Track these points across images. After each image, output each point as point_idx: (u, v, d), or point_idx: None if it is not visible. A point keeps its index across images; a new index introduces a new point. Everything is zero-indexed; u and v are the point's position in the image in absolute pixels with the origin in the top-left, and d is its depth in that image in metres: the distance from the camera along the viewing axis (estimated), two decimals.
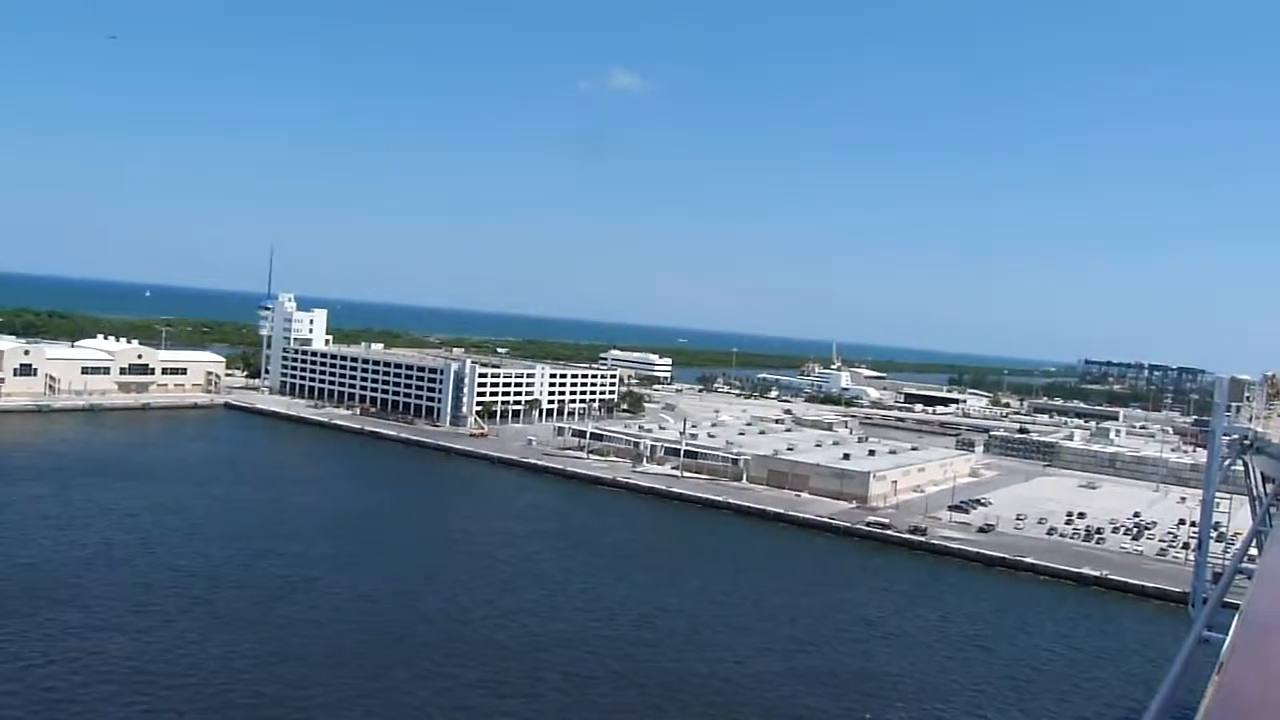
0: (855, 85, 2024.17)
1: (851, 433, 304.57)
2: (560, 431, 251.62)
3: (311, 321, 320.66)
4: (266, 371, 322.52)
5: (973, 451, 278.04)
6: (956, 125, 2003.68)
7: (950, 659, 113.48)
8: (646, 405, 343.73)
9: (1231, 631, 16.38)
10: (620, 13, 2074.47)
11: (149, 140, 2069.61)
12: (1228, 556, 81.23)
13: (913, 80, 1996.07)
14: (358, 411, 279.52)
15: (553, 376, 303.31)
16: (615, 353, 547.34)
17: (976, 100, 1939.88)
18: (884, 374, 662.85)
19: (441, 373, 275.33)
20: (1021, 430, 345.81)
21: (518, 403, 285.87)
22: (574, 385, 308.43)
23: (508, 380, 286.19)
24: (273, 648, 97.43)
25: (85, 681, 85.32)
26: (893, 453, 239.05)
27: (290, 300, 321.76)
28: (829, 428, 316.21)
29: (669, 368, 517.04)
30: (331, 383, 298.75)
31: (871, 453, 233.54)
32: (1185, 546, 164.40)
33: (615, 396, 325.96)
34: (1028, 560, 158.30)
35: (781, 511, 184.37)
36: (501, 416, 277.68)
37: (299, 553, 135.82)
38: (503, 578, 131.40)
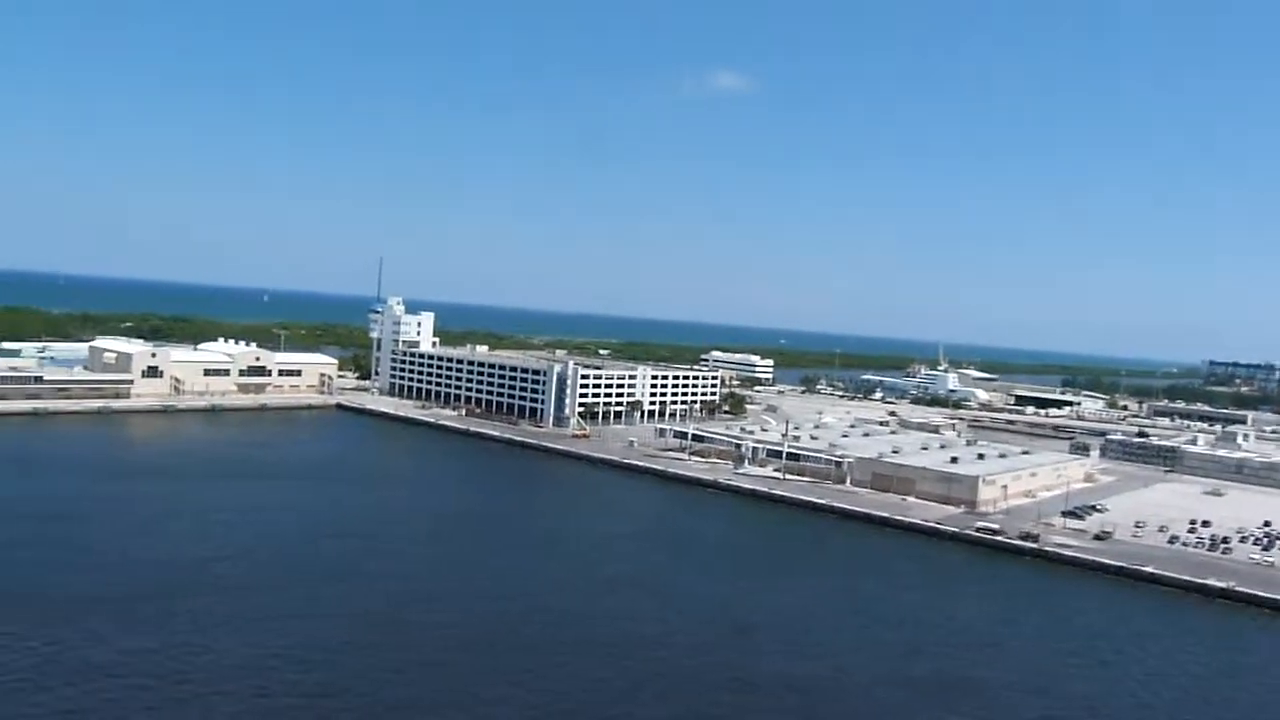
0: (966, 85, 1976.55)
1: (959, 435, 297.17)
2: (661, 433, 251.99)
3: (419, 324, 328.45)
4: (376, 373, 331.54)
5: (1088, 456, 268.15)
6: (1078, 124, 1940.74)
7: (1065, 670, 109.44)
8: (748, 407, 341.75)
9: None
10: (723, 12, 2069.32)
11: (271, 151, 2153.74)
12: None
13: (1028, 80, 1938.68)
14: (463, 412, 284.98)
15: (654, 378, 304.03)
16: (717, 354, 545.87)
17: (1097, 98, 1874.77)
18: (993, 375, 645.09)
19: (544, 374, 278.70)
20: (1140, 434, 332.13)
21: (619, 404, 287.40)
22: (675, 387, 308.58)
23: (609, 382, 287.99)
24: (391, 642, 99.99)
25: (209, 677, 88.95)
26: (1003, 456, 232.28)
27: (399, 304, 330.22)
28: (935, 430, 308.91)
29: (771, 369, 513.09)
30: (438, 384, 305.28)
31: (980, 456, 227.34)
32: None
33: (717, 398, 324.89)
34: (1147, 569, 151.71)
35: (886, 515, 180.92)
36: (603, 418, 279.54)
37: (413, 550, 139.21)
38: (605, 578, 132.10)
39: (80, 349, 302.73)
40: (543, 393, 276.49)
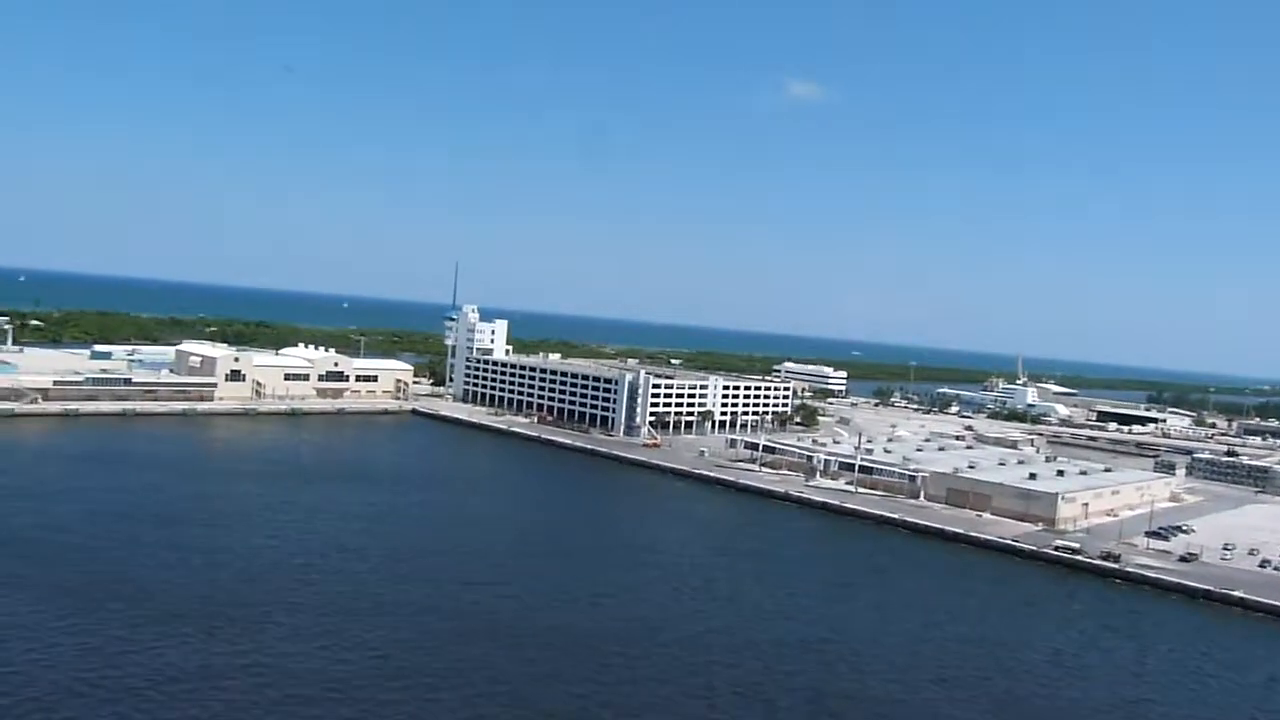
0: (1043, 95, 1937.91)
1: (1038, 451, 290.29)
2: (732, 443, 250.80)
3: (493, 332, 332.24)
4: (451, 380, 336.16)
5: (1173, 475, 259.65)
6: (1175, 136, 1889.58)
7: (1150, 698, 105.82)
8: (820, 419, 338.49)
9: None
10: (799, 22, 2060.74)
11: (349, 161, 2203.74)
12: None
13: (1103, 90, 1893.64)
14: (535, 420, 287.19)
15: (725, 388, 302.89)
16: (789, 365, 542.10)
17: (1188, 110, 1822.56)
18: (1074, 390, 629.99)
19: (616, 383, 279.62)
20: (1230, 453, 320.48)
21: (690, 414, 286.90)
22: (747, 397, 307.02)
23: (681, 391, 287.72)
24: (466, 643, 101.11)
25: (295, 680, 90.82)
26: (1083, 474, 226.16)
27: (473, 311, 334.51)
28: (1013, 445, 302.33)
29: (844, 381, 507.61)
30: (511, 391, 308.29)
31: (1060, 473, 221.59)
32: None
33: (788, 409, 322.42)
34: (1237, 594, 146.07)
35: (961, 531, 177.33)
36: (674, 427, 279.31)
37: (486, 556, 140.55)
38: (675, 588, 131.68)
39: (167, 352, 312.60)
40: (614, 401, 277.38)
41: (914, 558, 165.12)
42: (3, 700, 79.38)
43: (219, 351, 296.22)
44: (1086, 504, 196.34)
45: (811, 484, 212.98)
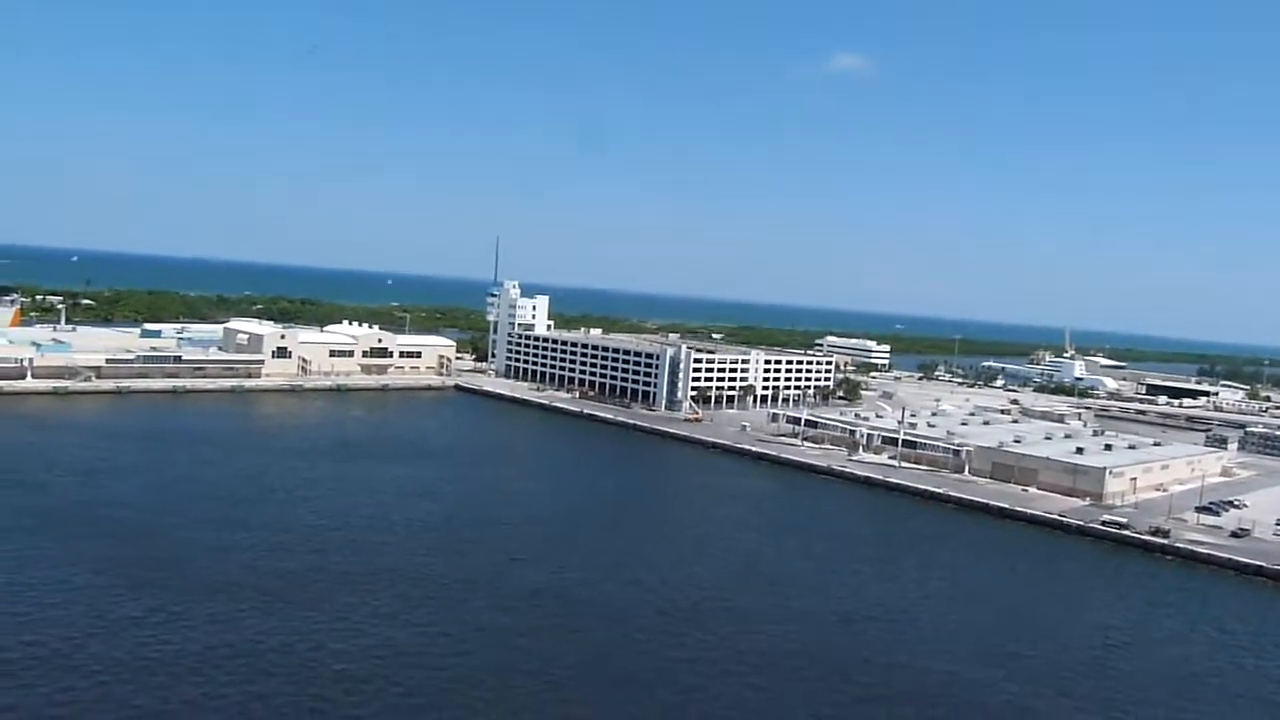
0: (1093, 69, 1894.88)
1: (1085, 425, 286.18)
2: (775, 418, 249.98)
3: (535, 307, 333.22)
4: (493, 355, 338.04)
5: (1225, 449, 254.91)
6: (1230, 109, 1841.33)
7: (1201, 675, 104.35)
8: (863, 393, 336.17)
9: None
10: None
11: (392, 140, 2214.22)
12: None
13: (1149, 66, 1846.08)
14: (577, 395, 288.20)
15: (767, 363, 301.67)
16: (831, 339, 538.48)
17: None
18: (1123, 363, 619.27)
19: (658, 358, 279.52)
20: None
21: (732, 388, 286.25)
22: (789, 372, 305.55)
23: (722, 366, 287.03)
24: (518, 627, 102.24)
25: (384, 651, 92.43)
26: (1132, 448, 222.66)
27: (515, 287, 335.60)
28: (1060, 419, 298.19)
29: (887, 355, 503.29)
30: (553, 366, 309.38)
31: (1108, 447, 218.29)
32: None
33: (831, 384, 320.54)
34: None
35: (1006, 506, 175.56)
36: (716, 402, 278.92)
37: (530, 530, 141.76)
38: (716, 563, 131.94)
39: (215, 330, 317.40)
40: (656, 376, 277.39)
41: (959, 533, 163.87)
42: (72, 674, 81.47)
43: (265, 329, 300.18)
44: (1135, 479, 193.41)
45: (854, 458, 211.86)
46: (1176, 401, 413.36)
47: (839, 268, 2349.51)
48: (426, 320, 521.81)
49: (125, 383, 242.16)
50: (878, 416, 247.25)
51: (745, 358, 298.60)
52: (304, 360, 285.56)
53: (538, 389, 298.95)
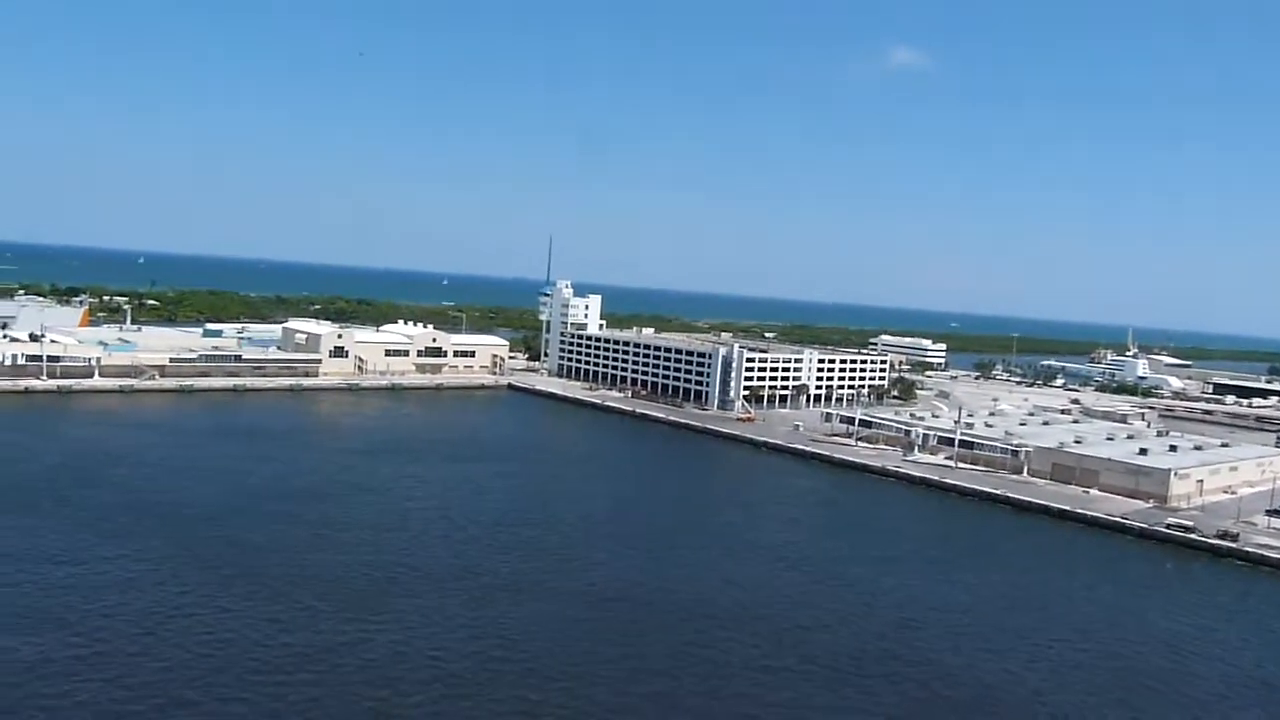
0: (1146, 68, 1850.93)
1: (1149, 426, 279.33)
2: (828, 418, 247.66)
3: (587, 307, 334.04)
4: (545, 355, 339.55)
5: None
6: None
7: (1275, 684, 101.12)
8: (918, 392, 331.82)
9: None
10: None
11: (451, 140, 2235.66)
12: None
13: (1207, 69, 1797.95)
14: (629, 394, 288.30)
15: (820, 362, 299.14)
16: (886, 338, 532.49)
17: None
18: (1188, 362, 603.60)
19: (710, 357, 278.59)
20: None
21: (785, 388, 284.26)
22: (842, 371, 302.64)
23: (775, 365, 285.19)
24: (569, 633, 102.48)
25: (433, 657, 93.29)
26: (1198, 449, 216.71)
27: (567, 286, 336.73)
28: (1122, 420, 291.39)
29: (943, 353, 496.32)
30: (605, 366, 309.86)
31: (1173, 448, 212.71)
32: None
33: (885, 383, 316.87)
34: None
35: (1067, 509, 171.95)
36: (768, 401, 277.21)
37: (583, 528, 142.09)
38: (769, 563, 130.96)
39: (274, 330, 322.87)
40: (708, 376, 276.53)
41: (1017, 534, 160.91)
42: (164, 673, 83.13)
43: (323, 329, 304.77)
44: (1201, 480, 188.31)
45: (910, 459, 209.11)
46: (1246, 401, 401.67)
47: (894, 266, 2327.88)
48: (480, 320, 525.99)
49: (188, 381, 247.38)
50: (934, 416, 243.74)
51: (798, 357, 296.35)
52: (360, 359, 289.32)
53: (590, 388, 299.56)
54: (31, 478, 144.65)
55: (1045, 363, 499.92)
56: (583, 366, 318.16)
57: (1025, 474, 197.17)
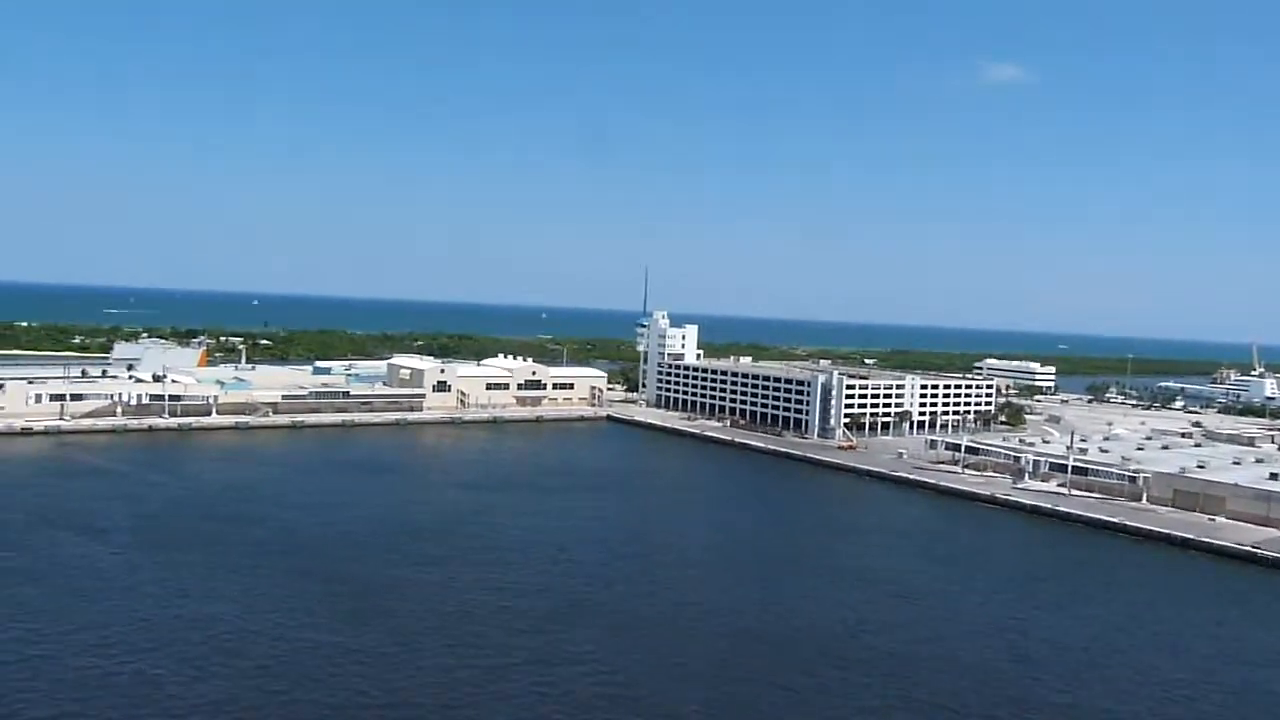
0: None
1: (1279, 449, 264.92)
2: (932, 445, 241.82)
3: (684, 337, 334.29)
4: (643, 385, 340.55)
5: None
6: None
7: None
8: (1027, 417, 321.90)
9: None
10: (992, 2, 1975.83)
11: (551, 173, 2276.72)
12: None
13: None
14: (728, 424, 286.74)
15: (923, 387, 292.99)
16: (991, 362, 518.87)
17: None
18: None
19: (809, 385, 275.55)
20: None
21: (887, 415, 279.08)
22: (946, 396, 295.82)
23: (876, 392, 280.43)
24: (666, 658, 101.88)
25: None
26: None
27: (664, 317, 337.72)
28: (1250, 443, 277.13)
29: (1052, 377, 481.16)
30: (703, 396, 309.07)
31: None
32: None
33: (992, 408, 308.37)
34: None
35: (1191, 537, 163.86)
36: (870, 429, 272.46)
37: (687, 558, 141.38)
38: (872, 594, 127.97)
39: (380, 366, 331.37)
40: (807, 403, 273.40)
41: (1138, 565, 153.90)
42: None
43: (426, 364, 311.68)
44: None
45: (1019, 486, 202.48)
46: None
47: (997, 288, 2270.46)
48: (579, 352, 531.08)
49: (299, 417, 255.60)
50: (1044, 442, 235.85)
51: (900, 383, 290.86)
52: (462, 393, 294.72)
53: (689, 418, 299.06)
54: (167, 513, 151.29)
55: (1163, 384, 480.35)
56: (681, 396, 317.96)
57: (1145, 500, 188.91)
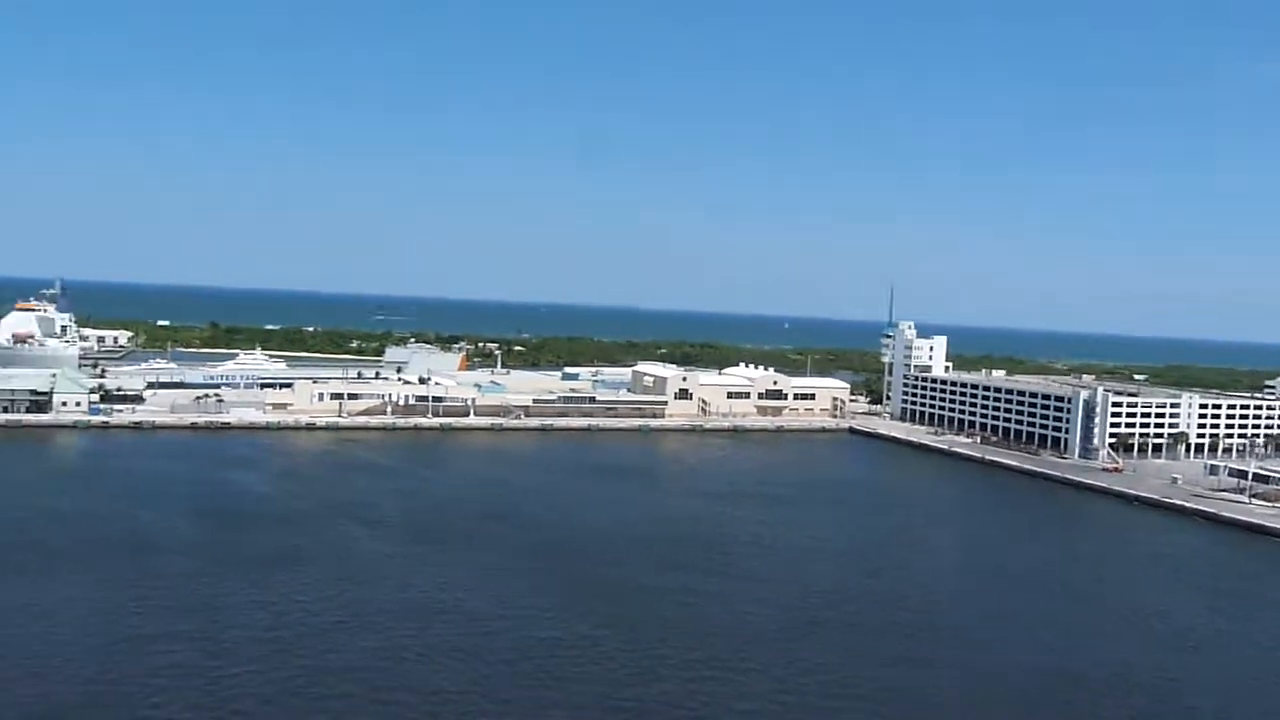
0: None
1: None
2: (1213, 470, 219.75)
3: (931, 348, 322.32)
4: (888, 398, 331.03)
5: None
6: None
7: None
8: None
9: None
10: None
11: (792, 187, 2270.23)
12: None
13: None
14: (978, 440, 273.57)
15: (1202, 407, 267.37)
16: None
17: None
18: None
19: (1069, 401, 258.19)
20: None
21: (1158, 436, 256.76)
22: (1230, 417, 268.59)
23: (1146, 410, 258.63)
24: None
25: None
26: None
27: (910, 328, 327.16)
28: None
29: None
30: (951, 409, 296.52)
31: None
32: None
33: None
34: None
35: None
36: (1139, 451, 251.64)
37: (939, 586, 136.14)
38: (1144, 634, 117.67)
39: (624, 373, 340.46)
40: (1067, 421, 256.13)
41: None
42: None
43: (669, 372, 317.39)
44: None
45: None
46: None
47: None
48: (821, 362, 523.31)
49: (548, 421, 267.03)
50: None
51: (1174, 401, 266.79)
52: (704, 401, 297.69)
53: (935, 433, 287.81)
54: (435, 509, 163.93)
55: None
56: (927, 410, 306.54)
57: None
